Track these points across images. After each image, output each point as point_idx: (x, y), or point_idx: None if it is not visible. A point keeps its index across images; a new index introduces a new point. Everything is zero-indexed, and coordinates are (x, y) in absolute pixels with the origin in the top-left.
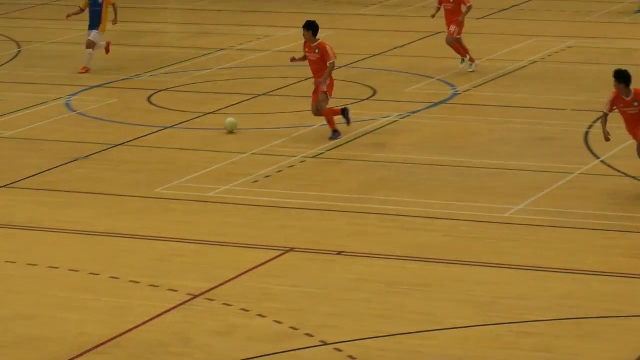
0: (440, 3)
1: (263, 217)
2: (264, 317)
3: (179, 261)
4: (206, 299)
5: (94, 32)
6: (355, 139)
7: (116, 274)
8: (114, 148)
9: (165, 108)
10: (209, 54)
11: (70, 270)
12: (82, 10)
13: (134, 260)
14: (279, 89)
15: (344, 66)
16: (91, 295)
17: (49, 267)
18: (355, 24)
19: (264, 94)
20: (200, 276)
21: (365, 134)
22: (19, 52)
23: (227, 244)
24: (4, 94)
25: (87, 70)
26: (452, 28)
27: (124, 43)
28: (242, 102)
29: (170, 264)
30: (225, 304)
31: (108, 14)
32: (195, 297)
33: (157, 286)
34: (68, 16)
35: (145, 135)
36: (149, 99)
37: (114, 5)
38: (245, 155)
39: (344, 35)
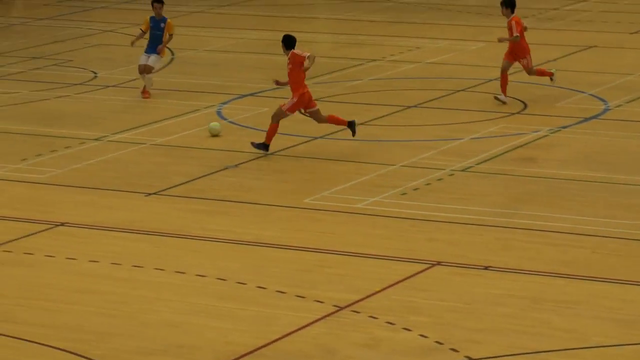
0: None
1: (410, 229)
2: (409, 330)
3: (325, 272)
4: (352, 310)
5: (153, 57)
6: (505, 152)
7: (263, 284)
8: (264, 157)
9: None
10: (360, 64)
11: (218, 278)
12: (144, 33)
13: (280, 270)
14: (429, 100)
15: (495, 79)
16: (238, 304)
17: (197, 275)
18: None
19: (414, 106)
20: (346, 288)
21: (515, 148)
22: (172, 59)
23: (374, 255)
24: (157, 101)
25: (149, 96)
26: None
27: (275, 52)
28: (392, 113)
29: (316, 274)
30: (371, 317)
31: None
32: (341, 308)
33: (303, 297)
34: (132, 43)
35: (294, 145)
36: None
37: (171, 35)
38: (394, 167)
39: (495, 47)
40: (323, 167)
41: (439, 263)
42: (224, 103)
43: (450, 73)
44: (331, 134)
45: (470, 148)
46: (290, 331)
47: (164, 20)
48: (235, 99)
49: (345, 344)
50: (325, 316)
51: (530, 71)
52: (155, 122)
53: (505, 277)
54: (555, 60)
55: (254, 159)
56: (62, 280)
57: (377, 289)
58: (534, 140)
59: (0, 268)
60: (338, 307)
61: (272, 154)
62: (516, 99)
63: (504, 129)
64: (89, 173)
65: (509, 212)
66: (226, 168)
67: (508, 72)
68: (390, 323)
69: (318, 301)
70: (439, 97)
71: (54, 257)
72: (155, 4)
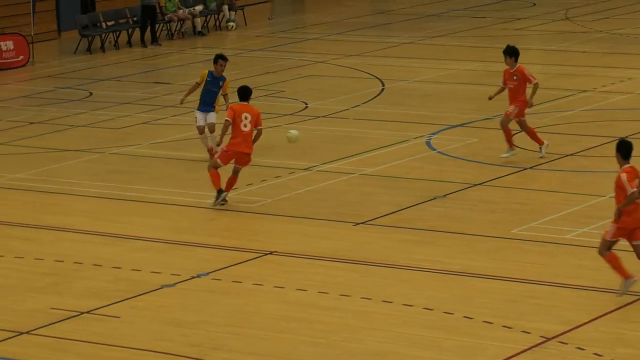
0: (504, 83)
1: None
2: None
3: (532, 302)
4: (559, 342)
5: (211, 114)
6: None
7: (470, 314)
8: (472, 187)
9: (525, 149)
10: (571, 95)
11: (425, 308)
12: (198, 85)
13: (488, 300)
14: (639, 132)
15: None
16: (444, 334)
17: (403, 304)
18: None
19: (625, 137)
20: (553, 318)
21: None
22: (383, 89)
23: (582, 287)
24: (368, 131)
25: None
26: (511, 108)
27: (486, 83)
28: (602, 144)
29: (524, 305)
30: (578, 348)
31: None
32: (548, 339)
33: (510, 327)
34: (182, 100)
35: (504, 176)
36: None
37: (226, 95)
38: (603, 198)
39: None
40: (532, 198)
41: None
42: (434, 133)
43: None
44: (539, 165)
45: None
46: None
47: (222, 79)
48: (445, 129)
49: None
50: (532, 347)
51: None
52: (365, 152)
53: None
54: None
55: (461, 190)
56: (270, 308)
57: (585, 320)
58: None
59: (210, 296)
60: (545, 338)
61: (480, 184)
62: None
63: None
64: (298, 202)
65: None
66: (435, 198)
67: None
68: (598, 354)
69: (525, 332)
70: None
71: (262, 285)
72: (220, 61)
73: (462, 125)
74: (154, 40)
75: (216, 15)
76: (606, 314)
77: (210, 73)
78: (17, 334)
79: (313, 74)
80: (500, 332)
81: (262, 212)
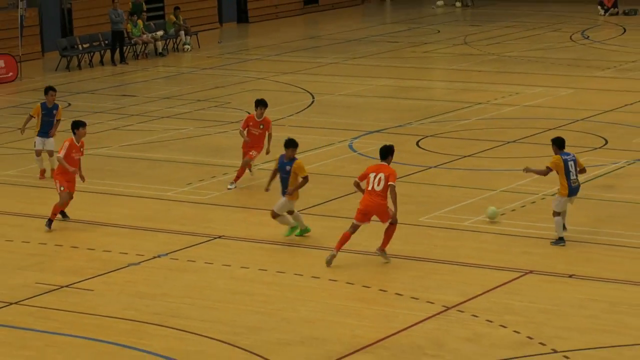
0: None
1: (508, 243)
2: (505, 327)
3: (436, 278)
4: (457, 310)
5: (50, 141)
6: (589, 180)
7: (384, 287)
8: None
9: (431, 151)
10: (468, 106)
11: (347, 282)
12: (31, 118)
13: (399, 276)
14: (525, 137)
15: (580, 119)
16: (363, 304)
17: (329, 279)
18: (593, 84)
19: (513, 141)
20: (453, 291)
21: (597, 177)
22: (313, 101)
23: (477, 265)
24: (300, 136)
25: (51, 175)
26: (254, 153)
27: (399, 96)
28: (494, 147)
29: (428, 280)
30: (473, 315)
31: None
32: (449, 308)
33: (417, 298)
34: (22, 130)
35: (413, 173)
36: (417, 143)
37: (58, 121)
38: (495, 192)
39: (583, 93)
40: (436, 192)
41: (531, 272)
42: (355, 138)
43: (544, 114)
44: (442, 164)
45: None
46: (406, 327)
47: (55, 107)
48: (364, 134)
49: (452, 338)
50: (435, 314)
51: None
52: (298, 153)
53: (587, 284)
54: (632, 103)
55: None
56: (219, 283)
57: (479, 293)
58: (614, 171)
59: (169, 273)
60: (446, 307)
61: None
62: (598, 135)
63: (588, 161)
64: (243, 195)
65: (592, 230)
66: (356, 192)
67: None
68: (489, 321)
69: (429, 302)
70: (534, 134)
71: (212, 264)
72: (51, 92)
73: (378, 131)
74: (122, 59)
75: (174, 39)
76: (496, 287)
77: (43, 105)
78: (7, 304)
79: (255, 88)
80: (409, 303)
81: (212, 203)
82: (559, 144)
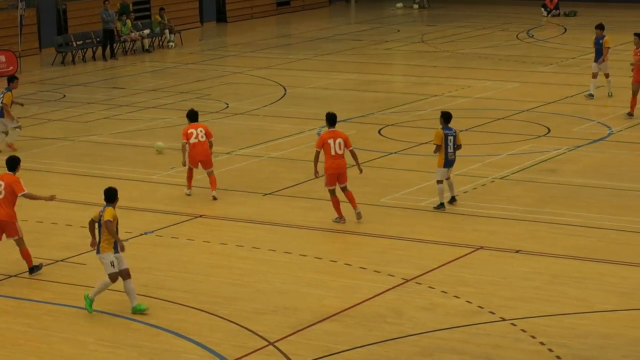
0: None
1: (461, 222)
2: (458, 298)
3: (396, 253)
4: (415, 282)
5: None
6: (533, 165)
7: (349, 262)
8: (351, 167)
9: (391, 138)
10: (425, 98)
11: (316, 257)
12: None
13: (362, 251)
14: (477, 125)
15: (526, 110)
16: (331, 277)
17: (300, 254)
18: (537, 78)
19: (466, 130)
20: (411, 265)
21: (540, 162)
22: (285, 94)
23: (432, 241)
24: (273, 125)
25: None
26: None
27: (363, 89)
28: None
29: (389, 255)
30: (429, 287)
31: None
32: (407, 281)
33: (379, 272)
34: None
35: (375, 159)
36: (379, 131)
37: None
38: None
39: (528, 86)
40: (396, 175)
41: (481, 247)
42: (323, 126)
43: (493, 105)
44: (401, 150)
45: (506, 162)
46: (369, 297)
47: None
48: None
49: (410, 308)
50: (395, 286)
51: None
52: (271, 140)
53: (532, 258)
54: (572, 96)
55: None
56: (200, 258)
57: (435, 267)
58: (556, 156)
59: (154, 248)
60: (405, 279)
61: (354, 165)
62: (542, 124)
63: (532, 147)
64: (221, 178)
65: (536, 210)
66: (322, 176)
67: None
68: (444, 292)
69: (390, 275)
70: (485, 124)
71: (193, 240)
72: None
73: (344, 120)
74: (113, 55)
75: (160, 37)
76: (450, 261)
77: None
78: (7, 276)
79: (232, 81)
80: (372, 276)
81: (193, 185)
82: (446, 118)
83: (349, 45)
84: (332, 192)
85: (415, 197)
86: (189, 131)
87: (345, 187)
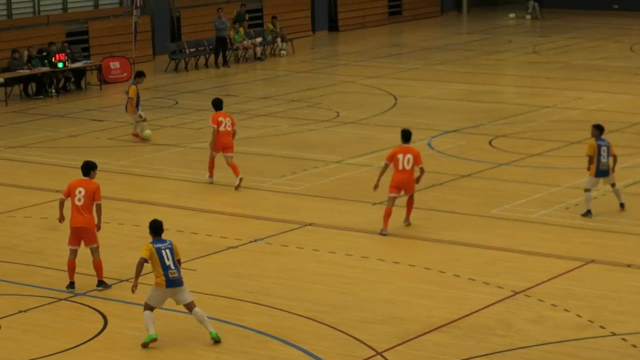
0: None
1: (571, 235)
2: (568, 311)
3: (505, 265)
4: (525, 295)
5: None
6: None
7: (458, 273)
8: (461, 178)
9: (502, 149)
10: (536, 110)
11: (424, 268)
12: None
13: (471, 262)
14: (588, 138)
15: (638, 123)
16: (438, 288)
17: (408, 265)
18: None
19: (577, 142)
20: (521, 277)
21: None
22: (395, 103)
23: (543, 254)
24: (383, 134)
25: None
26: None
27: (473, 100)
28: (560, 147)
29: (498, 267)
30: (539, 300)
31: None
32: (517, 293)
33: (488, 283)
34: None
35: (485, 170)
36: (490, 142)
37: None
38: (560, 187)
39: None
40: (506, 187)
41: (592, 261)
42: (433, 137)
43: (606, 118)
44: (512, 162)
45: (619, 174)
46: (477, 309)
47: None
48: (441, 134)
49: (519, 320)
50: (504, 299)
51: None
52: (381, 149)
53: None
54: None
55: (453, 180)
56: (308, 266)
57: (545, 279)
58: None
59: (263, 255)
60: (514, 292)
61: (467, 175)
62: None
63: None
64: (331, 187)
65: None
66: (433, 185)
67: None
68: (554, 305)
69: (499, 287)
70: None
71: (302, 248)
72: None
73: (454, 131)
74: (225, 63)
75: (272, 45)
76: (560, 274)
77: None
78: (119, 280)
79: (343, 90)
80: (480, 287)
81: (303, 194)
82: (600, 129)
83: (460, 55)
84: (391, 202)
85: (525, 208)
86: (219, 119)
87: (412, 195)
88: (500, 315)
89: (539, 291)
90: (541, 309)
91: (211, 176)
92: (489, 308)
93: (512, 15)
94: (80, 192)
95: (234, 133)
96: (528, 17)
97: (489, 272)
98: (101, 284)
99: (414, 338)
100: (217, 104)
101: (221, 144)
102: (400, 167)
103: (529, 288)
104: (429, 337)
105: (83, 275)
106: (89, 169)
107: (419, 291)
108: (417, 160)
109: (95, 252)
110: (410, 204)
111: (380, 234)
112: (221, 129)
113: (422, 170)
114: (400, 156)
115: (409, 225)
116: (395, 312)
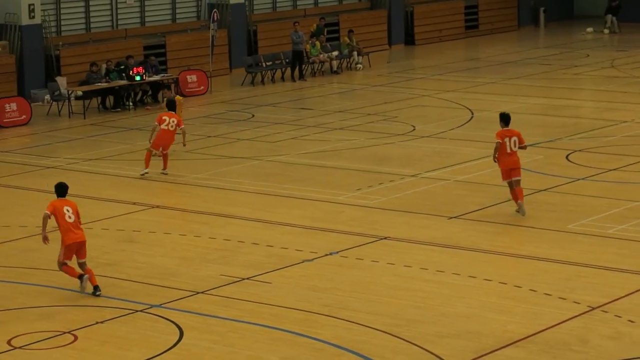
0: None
1: None
2: None
3: (582, 281)
4: (602, 310)
5: None
6: None
7: (534, 287)
8: (538, 192)
9: (579, 164)
10: (614, 124)
11: (500, 282)
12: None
13: (547, 277)
14: None
15: None
16: (515, 302)
17: (484, 279)
18: None
19: None
20: (597, 293)
21: None
22: (472, 117)
23: (619, 269)
24: (460, 148)
25: None
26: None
27: (551, 114)
28: (637, 162)
29: (575, 282)
30: (616, 315)
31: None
32: (593, 309)
33: (564, 298)
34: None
35: (562, 184)
36: (567, 157)
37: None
38: (638, 203)
39: None
40: (583, 202)
41: None
42: None
43: None
44: (589, 177)
45: None
46: (554, 324)
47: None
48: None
49: (596, 336)
50: (581, 314)
51: None
52: (458, 163)
53: None
54: None
55: (530, 194)
56: (383, 279)
57: (622, 295)
58: None
59: (339, 269)
60: (591, 307)
61: (544, 190)
62: None
63: None
64: (406, 200)
65: None
66: (509, 200)
67: None
68: (631, 321)
69: (575, 302)
70: None
71: (378, 262)
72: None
73: (531, 145)
74: (301, 76)
75: (348, 59)
76: (638, 290)
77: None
78: (195, 293)
79: (420, 104)
80: (557, 302)
81: (379, 207)
82: None
83: (537, 70)
84: (510, 186)
85: (602, 224)
86: (163, 117)
87: (519, 181)
88: (576, 331)
89: (616, 307)
90: (618, 325)
91: (147, 167)
92: (565, 323)
93: (589, 29)
94: (68, 210)
95: (183, 132)
96: (606, 31)
97: (565, 287)
98: (97, 288)
99: (490, 353)
100: (170, 105)
101: (161, 142)
102: (509, 150)
103: (606, 304)
104: (505, 352)
105: (159, 287)
106: (65, 190)
107: (494, 306)
108: (520, 140)
109: (85, 263)
110: (520, 192)
111: (516, 211)
112: (163, 126)
113: (524, 148)
114: (506, 140)
115: (521, 212)
116: (471, 327)
